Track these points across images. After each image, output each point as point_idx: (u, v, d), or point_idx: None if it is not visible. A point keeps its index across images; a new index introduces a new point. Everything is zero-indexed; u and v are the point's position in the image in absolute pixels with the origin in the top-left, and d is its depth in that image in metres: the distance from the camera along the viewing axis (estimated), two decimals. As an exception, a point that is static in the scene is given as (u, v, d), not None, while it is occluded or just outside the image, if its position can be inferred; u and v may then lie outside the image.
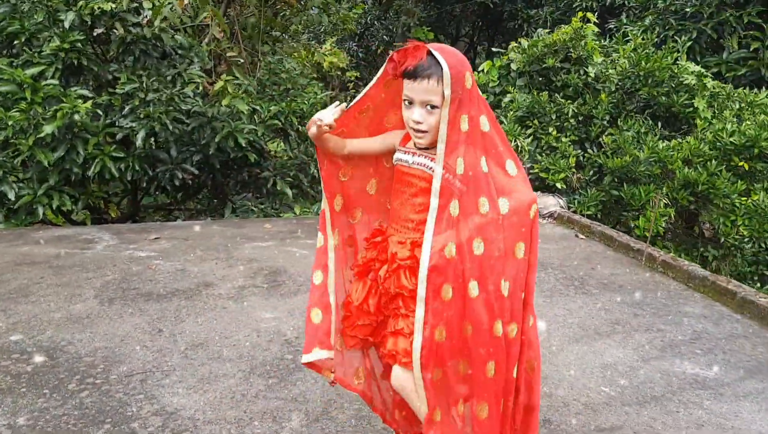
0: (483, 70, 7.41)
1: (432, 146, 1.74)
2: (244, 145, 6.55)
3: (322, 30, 14.70)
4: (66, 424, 2.39)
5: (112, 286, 4.11)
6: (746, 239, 6.04)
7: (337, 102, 1.89)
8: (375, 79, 1.85)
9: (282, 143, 7.83)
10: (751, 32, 7.50)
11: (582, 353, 3.16)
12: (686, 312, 3.76)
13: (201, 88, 6.74)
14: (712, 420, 2.53)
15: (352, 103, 1.93)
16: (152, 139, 6.25)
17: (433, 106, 1.68)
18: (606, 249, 5.28)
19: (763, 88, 6.63)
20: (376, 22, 17.33)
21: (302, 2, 8.08)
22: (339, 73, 15.13)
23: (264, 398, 2.69)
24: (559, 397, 2.69)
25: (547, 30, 7.29)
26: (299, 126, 7.40)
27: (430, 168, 1.74)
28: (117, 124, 6.24)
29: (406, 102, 1.74)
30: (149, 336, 3.32)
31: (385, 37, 16.97)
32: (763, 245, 6.40)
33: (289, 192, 7.42)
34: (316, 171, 7.84)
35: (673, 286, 4.28)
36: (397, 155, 1.87)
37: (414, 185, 1.81)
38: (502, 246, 1.71)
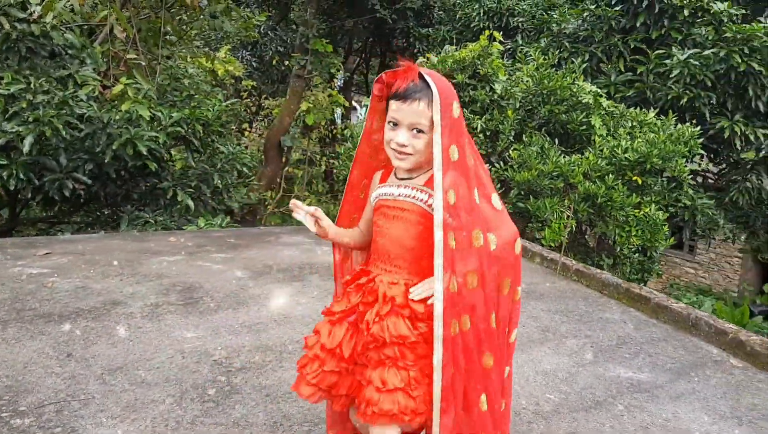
0: (392, 84, 7.44)
1: (414, 173, 1.71)
2: (144, 153, 6.13)
3: (214, 38, 14.26)
4: (-27, 469, 2.05)
5: (4, 307, 3.65)
6: (635, 249, 6.47)
7: (315, 208, 1.80)
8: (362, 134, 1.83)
9: (183, 152, 7.43)
10: (637, 57, 8.12)
11: (521, 361, 3.19)
12: (607, 318, 3.93)
13: (96, 91, 6.24)
14: (655, 422, 2.62)
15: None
16: (41, 144, 5.69)
17: (419, 130, 1.61)
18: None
19: (650, 108, 7.17)
20: (269, 33, 17.05)
21: (203, 6, 7.75)
22: (233, 81, 14.76)
23: (202, 424, 2.47)
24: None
25: (453, 47, 7.46)
26: (202, 134, 7.06)
27: (420, 199, 1.68)
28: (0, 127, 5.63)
29: (391, 124, 1.65)
30: (57, 362, 2.96)
31: (279, 48, 16.73)
32: (648, 255, 6.89)
33: (191, 203, 7.05)
34: (219, 182, 7.52)
35: (589, 294, 4.46)
36: (378, 192, 1.78)
37: (401, 219, 1.71)
38: (493, 283, 1.65)
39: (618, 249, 6.44)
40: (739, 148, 7.91)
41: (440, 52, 7.50)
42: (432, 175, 1.60)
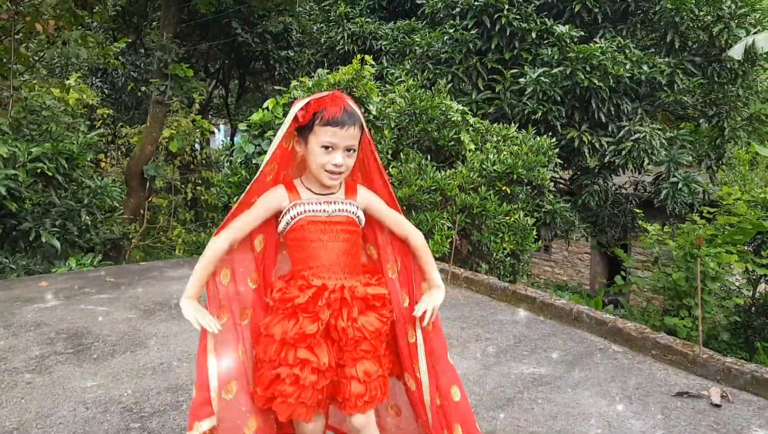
0: (267, 108, 7.43)
1: (333, 188, 1.91)
2: (3, 193, 5.63)
3: (59, 65, 13.34)
4: None
5: None
6: (508, 253, 6.97)
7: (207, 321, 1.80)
8: (277, 142, 1.89)
9: (42, 190, 6.89)
10: (494, 76, 8.76)
11: (433, 370, 3.35)
12: (501, 320, 4.22)
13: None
14: (561, 410, 2.88)
15: (242, 198, 1.91)
16: None
17: (353, 150, 1.86)
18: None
19: (511, 123, 7.77)
20: (120, 57, 16.23)
21: (57, 32, 7.27)
22: (86, 110, 13.87)
23: (128, 476, 2.35)
24: (431, 414, 2.82)
25: (326, 71, 7.61)
26: (66, 169, 6.60)
27: (351, 211, 1.91)
28: None
29: (323, 147, 1.81)
30: (-60, 432, 2.67)
31: (132, 73, 15.98)
32: (517, 259, 7.45)
33: (57, 243, 6.56)
34: (88, 217, 7.06)
35: (480, 299, 4.75)
36: (305, 208, 1.88)
37: (342, 232, 1.90)
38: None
39: (493, 255, 6.90)
40: (587, 155, 8.78)
41: (312, 75, 7.60)
42: (347, 185, 1.94)
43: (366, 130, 1.90)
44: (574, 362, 3.47)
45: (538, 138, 7.08)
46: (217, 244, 1.86)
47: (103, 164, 16.05)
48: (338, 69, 7.29)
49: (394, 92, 7.29)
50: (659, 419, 2.86)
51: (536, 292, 4.50)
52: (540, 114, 8.19)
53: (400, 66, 8.97)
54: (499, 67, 8.64)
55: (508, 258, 7.29)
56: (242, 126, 7.44)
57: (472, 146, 7.13)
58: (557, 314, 4.17)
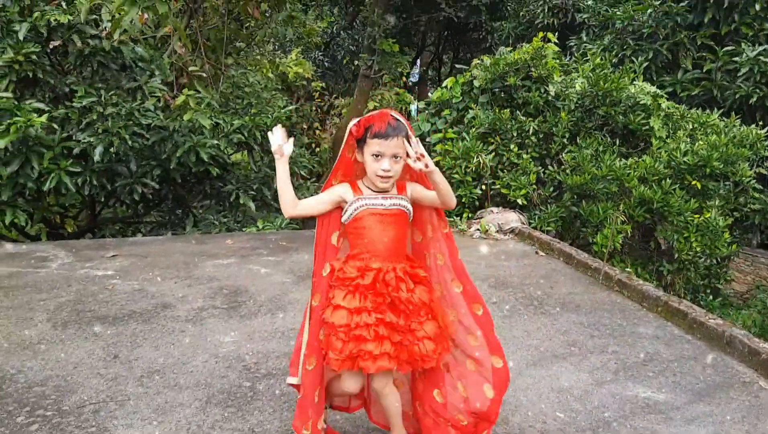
0: (447, 87, 7.48)
1: (390, 188, 2.25)
2: (206, 159, 6.48)
3: (287, 40, 14.67)
4: (13, 462, 2.33)
5: (67, 308, 4.02)
6: (699, 254, 6.22)
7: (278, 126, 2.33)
8: (341, 151, 2.31)
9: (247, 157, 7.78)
10: (704, 54, 7.75)
11: (539, 377, 3.21)
12: (640, 333, 3.85)
13: (162, 101, 6.65)
14: (661, 445, 2.60)
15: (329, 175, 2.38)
16: (112, 152, 6.14)
17: (399, 157, 2.17)
18: (565, 267, 5.37)
19: (715, 108, 6.85)
20: (342, 32, 17.36)
21: (267, 14, 8.05)
22: (304, 83, 15.13)
23: (220, 429, 2.66)
24: (515, 424, 2.73)
25: (509, 48, 7.40)
26: (263, 140, 7.35)
27: (404, 206, 2.27)
28: (74, 138, 6.12)
29: (374, 156, 2.17)
30: (104, 363, 3.25)
31: (351, 47, 17.00)
32: (715, 260, 6.61)
33: (252, 205, 7.38)
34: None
35: (628, 306, 4.37)
36: (365, 201, 2.25)
37: (396, 222, 2.26)
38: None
39: (676, 255, 6.23)
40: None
41: (494, 54, 7.46)
42: (398, 185, 2.28)
43: (411, 135, 2.19)
44: (704, 392, 3.06)
45: (743, 128, 6.15)
46: (287, 207, 2.30)
47: (318, 132, 17.45)
48: (521, 47, 7.05)
49: (577, 72, 6.84)
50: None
51: (691, 307, 4.00)
52: (756, 99, 7.07)
53: (598, 41, 8.35)
54: (712, 43, 7.61)
55: (702, 259, 6.53)
56: (421, 104, 7.60)
57: (663, 133, 6.44)
58: (707, 335, 3.68)
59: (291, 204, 2.27)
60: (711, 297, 6.87)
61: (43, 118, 5.64)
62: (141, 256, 5.40)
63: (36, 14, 6.01)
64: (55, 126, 5.99)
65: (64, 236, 7.36)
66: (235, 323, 3.91)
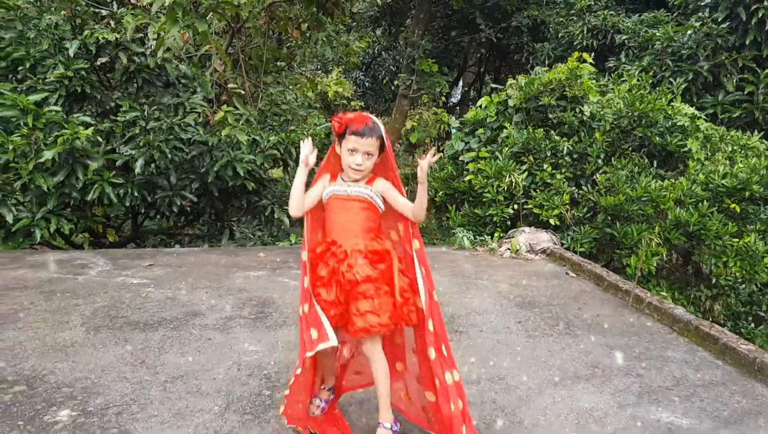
0: (481, 106, 7.50)
1: (359, 180, 2.59)
2: (242, 174, 6.63)
3: (328, 60, 14.93)
4: (37, 457, 2.42)
5: (101, 314, 4.15)
6: (740, 280, 6.04)
7: (308, 140, 2.59)
8: (330, 150, 2.65)
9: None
10: (746, 75, 7.58)
11: (559, 397, 3.17)
12: (668, 357, 3.77)
13: (203, 117, 6.86)
14: (680, 471, 2.53)
15: (321, 165, 2.71)
16: (152, 165, 6.35)
17: (370, 155, 2.52)
18: (595, 288, 5.29)
19: (756, 131, 6.68)
20: (383, 53, 17.59)
21: (307, 35, 8.24)
22: (344, 102, 15.36)
23: (237, 435, 2.71)
24: (530, 443, 2.70)
25: (545, 68, 7.39)
26: (298, 156, 7.49)
27: (366, 193, 2.58)
28: (117, 150, 6.35)
29: (349, 150, 2.51)
30: (131, 367, 3.35)
31: (392, 67, 17.20)
32: (756, 286, 6.40)
33: (287, 220, 7.49)
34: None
35: (657, 329, 4.28)
36: (333, 188, 2.61)
37: (355, 206, 2.57)
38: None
39: (713, 280, 6.06)
40: None
41: (530, 74, 7.45)
42: (369, 178, 2.60)
43: (387, 140, 2.56)
44: (731, 420, 2.97)
45: (786, 151, 5.99)
46: (294, 210, 2.63)
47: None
48: (556, 67, 7.03)
49: (613, 92, 6.77)
50: None
51: (722, 332, 3.89)
52: (800, 121, 6.88)
53: (637, 62, 8.26)
54: (754, 65, 7.44)
55: (744, 285, 6.35)
56: (455, 123, 7.62)
57: (701, 155, 6.31)
58: (738, 361, 3.57)
59: (297, 209, 2.61)
60: (752, 325, 6.65)
61: (89, 131, 5.88)
62: (176, 266, 5.55)
63: (86, 32, 6.30)
64: (100, 139, 6.23)
65: (106, 246, 7.61)
66: (261, 333, 3.98)
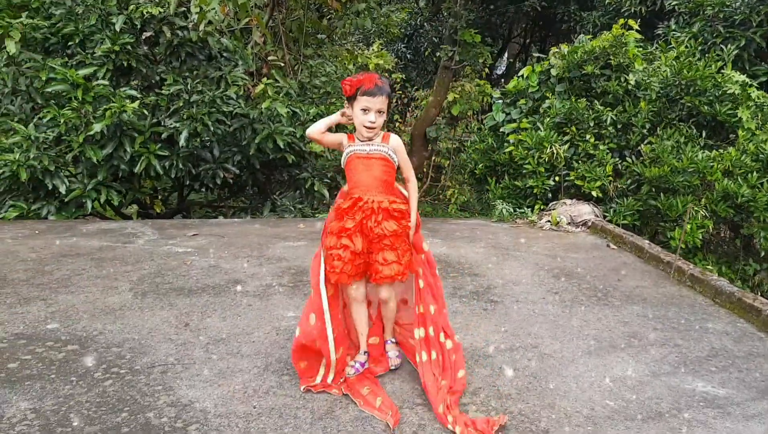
0: (523, 76, 7.38)
1: (374, 137, 2.77)
2: (282, 147, 6.72)
3: (369, 32, 14.83)
4: (87, 411, 2.57)
5: (147, 280, 4.32)
6: (789, 254, 5.86)
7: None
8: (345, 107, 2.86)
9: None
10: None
11: (592, 366, 3.17)
12: (707, 328, 3.71)
13: (244, 90, 6.95)
14: (714, 439, 2.51)
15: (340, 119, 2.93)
16: (197, 138, 6.49)
17: (382, 112, 2.71)
18: (636, 260, 5.21)
19: (814, 99, 6.39)
20: (426, 24, 17.36)
21: (347, 6, 8.22)
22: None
23: (274, 395, 2.81)
24: (561, 408, 2.72)
25: (589, 36, 7.20)
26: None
27: (384, 151, 2.78)
28: (163, 123, 6.51)
29: (362, 110, 2.69)
30: (175, 330, 3.49)
31: (434, 38, 16.95)
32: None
33: (326, 193, 7.58)
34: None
35: (698, 301, 4.21)
36: (353, 148, 2.80)
37: (375, 164, 2.78)
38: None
39: (762, 253, 5.89)
40: None
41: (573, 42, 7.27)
42: (383, 136, 2.80)
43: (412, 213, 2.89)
44: (769, 391, 2.92)
45: (843, 119, 5.71)
46: (313, 132, 2.85)
47: (398, 124, 17.57)
48: (601, 35, 6.84)
49: (661, 60, 6.56)
50: None
51: (767, 303, 3.80)
52: None
53: (687, 29, 7.96)
54: (812, 29, 7.08)
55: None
56: (496, 94, 7.52)
57: (752, 125, 6.08)
58: (782, 333, 3.49)
59: (317, 133, 2.80)
60: (804, 301, 6.44)
61: (136, 104, 6.05)
62: (219, 236, 5.70)
63: (131, 7, 6.44)
64: (146, 112, 6.40)
65: (153, 217, 7.85)
66: (298, 300, 4.08)
